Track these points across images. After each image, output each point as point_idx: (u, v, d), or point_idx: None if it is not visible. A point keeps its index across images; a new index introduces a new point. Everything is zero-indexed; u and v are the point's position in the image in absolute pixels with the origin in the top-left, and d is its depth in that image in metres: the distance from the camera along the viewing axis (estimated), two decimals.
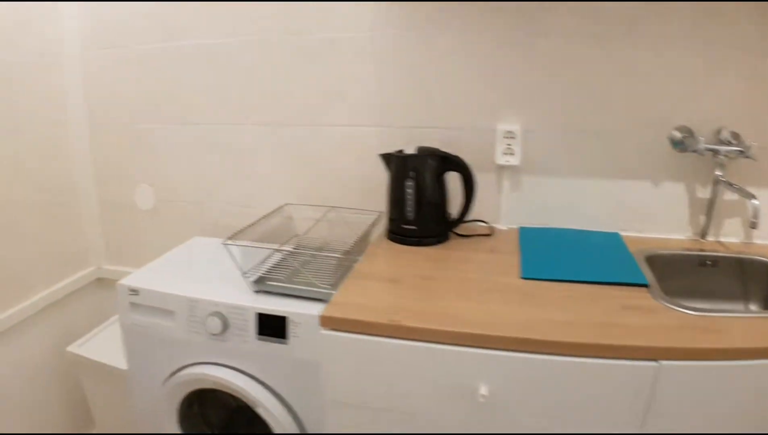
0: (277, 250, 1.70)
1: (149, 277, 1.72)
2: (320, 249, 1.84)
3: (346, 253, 1.58)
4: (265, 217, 1.81)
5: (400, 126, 1.89)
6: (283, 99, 1.96)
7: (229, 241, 1.56)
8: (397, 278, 1.53)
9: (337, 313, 1.36)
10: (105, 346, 2.05)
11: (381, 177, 1.87)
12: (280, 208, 1.92)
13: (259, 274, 1.63)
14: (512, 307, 1.35)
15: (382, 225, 1.87)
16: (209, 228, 2.16)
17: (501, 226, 1.91)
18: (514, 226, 1.89)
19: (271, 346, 1.55)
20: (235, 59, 1.98)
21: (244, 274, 1.60)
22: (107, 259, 2.39)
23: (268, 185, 2.05)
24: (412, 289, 1.47)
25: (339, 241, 1.87)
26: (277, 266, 1.70)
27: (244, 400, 1.60)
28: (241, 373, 1.61)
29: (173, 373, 1.70)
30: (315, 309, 1.49)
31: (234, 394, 1.61)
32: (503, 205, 1.91)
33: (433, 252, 1.71)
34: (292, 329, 1.51)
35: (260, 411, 1.59)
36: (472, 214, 1.80)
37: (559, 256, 1.61)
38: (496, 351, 1.26)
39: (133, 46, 2.09)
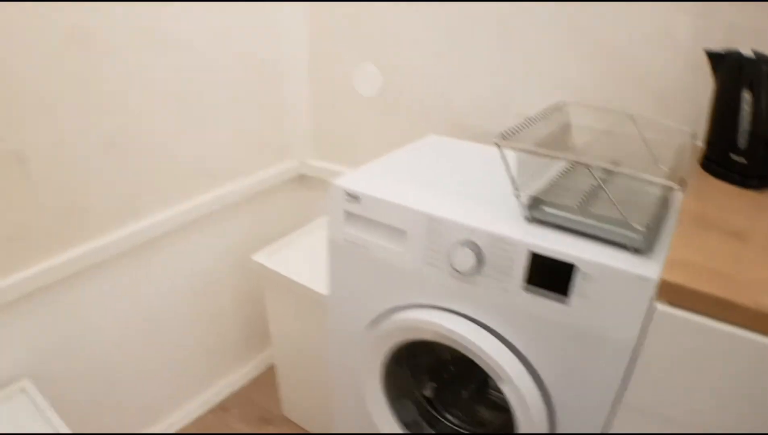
0: (573, 162, 1.16)
1: (374, 181, 1.25)
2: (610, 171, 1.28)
3: (679, 180, 0.99)
4: (541, 115, 1.26)
5: (725, 21, 1.26)
6: None
7: (504, 141, 1.04)
8: (742, 233, 0.96)
9: (688, 281, 0.82)
10: (299, 259, 1.66)
11: (687, 83, 1.29)
12: (558, 106, 1.36)
13: (535, 194, 1.11)
14: None
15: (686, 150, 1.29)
16: (449, 128, 1.65)
17: None
18: None
19: (541, 302, 1.04)
20: None
21: (516, 189, 1.07)
22: (314, 153, 1.99)
23: (534, 78, 1.49)
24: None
25: (636, 163, 1.29)
26: (556, 186, 1.16)
27: (486, 370, 1.12)
28: (488, 331, 1.13)
29: (388, 312, 1.26)
30: (622, 260, 0.96)
31: (471, 357, 1.13)
32: None
33: (764, 199, 1.12)
34: (579, 284, 0.99)
35: (506, 390, 1.11)
36: None
37: None
38: None
39: None
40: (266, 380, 2.12)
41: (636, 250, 0.98)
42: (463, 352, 1.14)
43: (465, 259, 1.07)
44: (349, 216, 1.24)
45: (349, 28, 1.75)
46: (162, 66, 1.51)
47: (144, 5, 1.42)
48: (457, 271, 1.09)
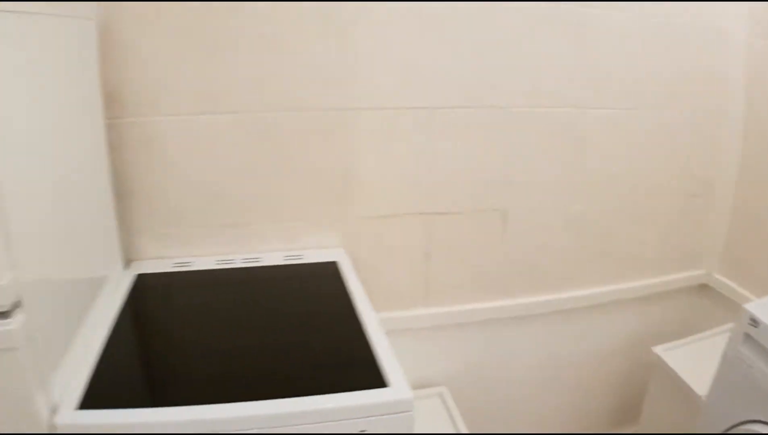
0: None
1: None
2: None
3: None
4: None
5: None
6: None
7: None
8: None
9: None
10: (688, 359, 1.87)
11: None
12: None
13: None
14: None
15: None
16: None
17: None
18: None
19: None
20: None
21: None
22: (720, 268, 2.16)
23: None
24: None
25: None
26: None
27: None
28: None
29: (743, 423, 1.46)
30: None
31: None
32: None
33: None
34: None
35: None
36: None
37: None
38: None
39: None
40: None
41: None
42: None
43: None
44: (746, 337, 1.45)
45: None
46: (623, 161, 1.87)
47: None
48: None
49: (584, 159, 1.80)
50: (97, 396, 0.96)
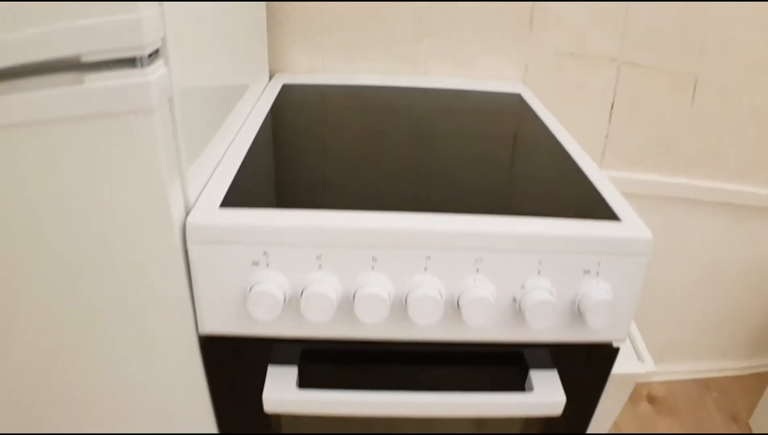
0: None
1: None
2: None
3: None
4: None
5: None
6: None
7: None
8: None
9: None
10: None
11: None
12: None
13: None
14: None
15: None
16: None
17: None
18: None
19: None
20: None
21: None
22: None
23: None
24: None
25: None
26: None
27: None
28: None
29: None
30: None
31: None
32: None
33: None
34: None
35: None
36: None
37: None
38: None
39: None
40: (750, 384, 2.09)
41: None
42: None
43: None
44: None
45: None
46: None
47: None
48: None
49: None
50: (239, 197, 0.78)
